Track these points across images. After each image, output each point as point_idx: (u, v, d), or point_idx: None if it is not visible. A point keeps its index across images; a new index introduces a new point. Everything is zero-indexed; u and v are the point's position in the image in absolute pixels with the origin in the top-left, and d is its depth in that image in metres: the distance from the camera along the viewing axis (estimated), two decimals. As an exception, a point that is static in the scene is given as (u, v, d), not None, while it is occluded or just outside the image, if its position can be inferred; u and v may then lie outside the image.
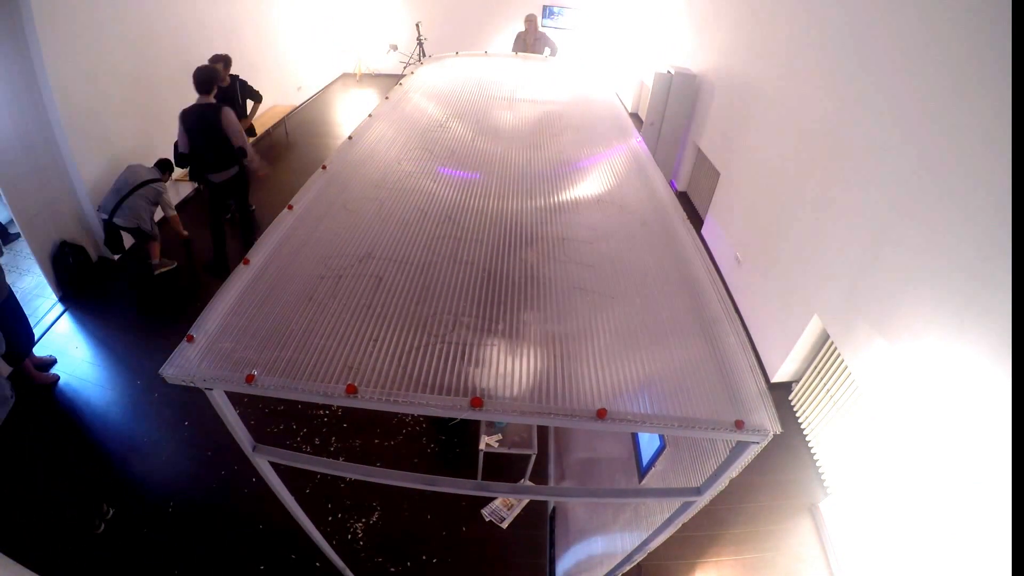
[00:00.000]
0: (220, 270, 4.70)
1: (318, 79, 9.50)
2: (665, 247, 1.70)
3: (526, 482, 3.11)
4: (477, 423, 3.07)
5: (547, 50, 6.64)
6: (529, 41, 6.64)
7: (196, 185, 5.93)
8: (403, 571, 2.79)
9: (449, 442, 3.45)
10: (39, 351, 3.76)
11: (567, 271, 1.53)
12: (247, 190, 4.69)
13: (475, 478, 2.95)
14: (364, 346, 1.17)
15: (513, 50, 6.63)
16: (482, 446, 2.88)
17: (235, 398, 1.20)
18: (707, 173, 5.87)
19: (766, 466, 3.33)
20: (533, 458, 2.94)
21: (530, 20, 6.58)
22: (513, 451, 2.90)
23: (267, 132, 7.14)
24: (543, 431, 3.29)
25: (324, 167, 1.86)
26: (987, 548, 2.12)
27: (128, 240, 4.73)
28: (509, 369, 1.17)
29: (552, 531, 2.98)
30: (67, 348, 3.90)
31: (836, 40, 3.48)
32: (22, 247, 4.36)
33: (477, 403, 1.04)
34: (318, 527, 2.00)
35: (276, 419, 3.49)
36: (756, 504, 3.25)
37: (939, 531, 2.38)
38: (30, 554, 2.52)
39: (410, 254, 1.51)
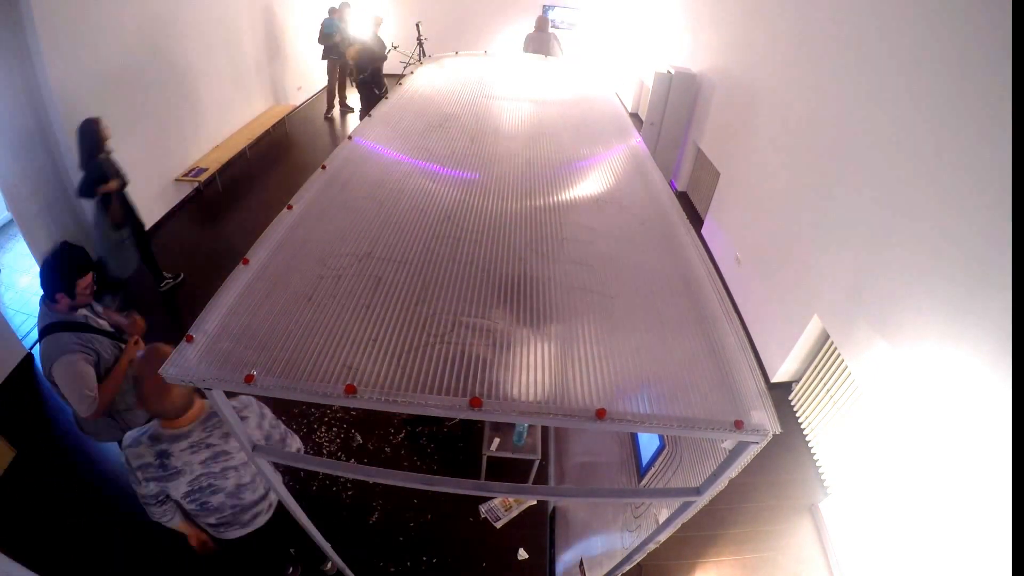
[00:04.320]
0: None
1: (318, 79, 9.49)
2: (664, 247, 1.70)
3: (528, 488, 3.12)
4: (483, 427, 3.07)
5: (556, 47, 6.96)
6: (542, 44, 6.97)
7: (196, 185, 5.91)
8: (403, 571, 2.78)
9: (453, 444, 3.44)
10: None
11: (566, 271, 1.52)
12: None
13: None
14: (363, 346, 1.16)
15: (524, 51, 6.97)
16: (486, 450, 2.88)
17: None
18: (707, 173, 5.86)
19: (766, 466, 3.34)
20: (537, 464, 2.93)
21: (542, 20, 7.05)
22: (518, 456, 2.89)
23: (267, 132, 7.14)
24: (546, 436, 3.28)
25: (323, 167, 1.86)
26: (987, 548, 2.12)
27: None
28: (508, 369, 1.17)
29: (552, 531, 2.97)
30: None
31: (836, 40, 3.47)
32: (22, 247, 4.35)
33: (476, 403, 1.04)
34: (318, 527, 1.99)
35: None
36: (756, 504, 3.24)
37: (939, 531, 2.38)
38: (31, 554, 2.51)
39: (409, 254, 1.51)
